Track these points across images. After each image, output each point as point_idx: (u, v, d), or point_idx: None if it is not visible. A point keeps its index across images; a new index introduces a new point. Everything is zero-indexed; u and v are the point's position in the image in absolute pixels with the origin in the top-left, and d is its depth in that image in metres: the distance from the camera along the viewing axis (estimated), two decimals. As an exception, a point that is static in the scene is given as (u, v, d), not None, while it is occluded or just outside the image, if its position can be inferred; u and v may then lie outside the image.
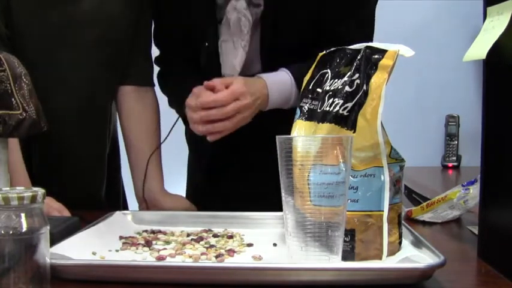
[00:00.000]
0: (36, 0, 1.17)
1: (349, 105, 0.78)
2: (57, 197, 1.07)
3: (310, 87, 0.88)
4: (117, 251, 0.86)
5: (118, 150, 1.43)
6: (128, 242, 0.91)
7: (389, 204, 0.76)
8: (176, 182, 1.42)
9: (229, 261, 0.81)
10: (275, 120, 1.08)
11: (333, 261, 0.71)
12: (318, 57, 0.92)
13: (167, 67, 1.32)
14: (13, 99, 0.98)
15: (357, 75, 0.79)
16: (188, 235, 0.96)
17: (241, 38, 1.15)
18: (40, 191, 0.64)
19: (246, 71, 1.18)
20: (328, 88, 0.84)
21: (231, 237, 0.94)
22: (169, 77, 1.30)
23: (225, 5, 1.17)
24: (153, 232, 0.99)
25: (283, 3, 1.14)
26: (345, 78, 0.81)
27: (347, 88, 0.80)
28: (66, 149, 1.24)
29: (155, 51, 1.34)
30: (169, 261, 0.81)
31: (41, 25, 1.17)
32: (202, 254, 0.83)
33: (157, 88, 1.34)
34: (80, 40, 1.20)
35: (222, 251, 0.85)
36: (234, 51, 1.17)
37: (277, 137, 0.75)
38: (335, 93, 0.81)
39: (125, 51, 1.26)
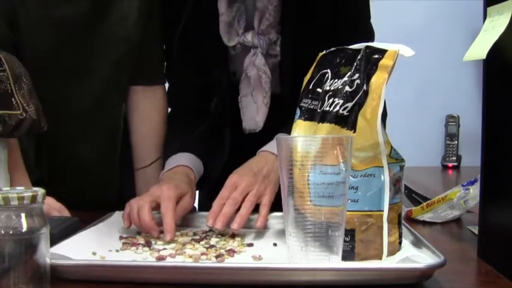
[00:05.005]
0: (42, 0, 1.16)
1: (349, 105, 0.78)
2: (67, 199, 1.06)
3: (310, 87, 0.88)
4: (117, 251, 0.86)
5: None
6: (128, 242, 0.91)
7: (389, 204, 0.76)
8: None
9: (229, 261, 0.81)
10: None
11: (333, 261, 0.71)
12: (318, 57, 0.92)
13: (177, 113, 1.30)
14: (13, 99, 0.99)
15: (357, 75, 0.79)
16: (194, 234, 0.97)
17: (262, 94, 1.16)
18: (40, 191, 0.64)
19: None
20: (328, 88, 0.84)
21: (231, 237, 0.94)
22: (177, 125, 1.27)
23: (241, 58, 1.16)
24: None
25: (299, 51, 1.14)
26: (345, 78, 0.81)
27: (347, 88, 0.80)
28: (77, 149, 1.23)
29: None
30: (169, 262, 0.81)
31: (49, 26, 1.16)
32: (203, 254, 0.84)
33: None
34: (90, 39, 1.20)
35: (222, 251, 0.85)
36: (253, 105, 1.17)
37: (276, 137, 0.75)
38: (335, 93, 0.81)
39: (136, 49, 1.25)
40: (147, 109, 1.29)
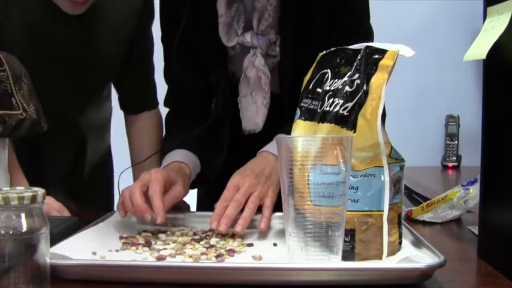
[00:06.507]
0: (22, 17, 1.16)
1: (349, 105, 0.78)
2: None
3: (310, 87, 0.88)
4: (117, 251, 0.86)
5: (109, 161, 1.49)
6: (128, 242, 0.91)
7: (389, 204, 0.76)
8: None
9: (229, 261, 0.81)
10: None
11: (333, 261, 0.71)
12: (318, 57, 0.92)
13: (176, 113, 1.29)
14: (13, 99, 0.99)
15: (357, 75, 0.79)
16: (195, 234, 0.97)
17: (262, 95, 1.16)
18: (40, 191, 0.64)
19: None
20: (328, 88, 0.84)
21: (231, 237, 0.94)
22: (176, 125, 1.27)
23: (240, 58, 1.16)
24: (153, 232, 0.99)
25: (298, 52, 1.14)
26: (345, 78, 0.81)
27: (347, 88, 0.80)
28: (45, 156, 1.29)
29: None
30: (169, 261, 0.81)
31: (33, 44, 1.17)
32: (203, 254, 0.84)
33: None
34: (76, 59, 1.22)
35: (222, 251, 0.85)
36: (253, 105, 1.17)
37: (277, 136, 0.75)
38: (335, 93, 0.81)
39: (120, 66, 1.30)
40: (143, 130, 1.39)
